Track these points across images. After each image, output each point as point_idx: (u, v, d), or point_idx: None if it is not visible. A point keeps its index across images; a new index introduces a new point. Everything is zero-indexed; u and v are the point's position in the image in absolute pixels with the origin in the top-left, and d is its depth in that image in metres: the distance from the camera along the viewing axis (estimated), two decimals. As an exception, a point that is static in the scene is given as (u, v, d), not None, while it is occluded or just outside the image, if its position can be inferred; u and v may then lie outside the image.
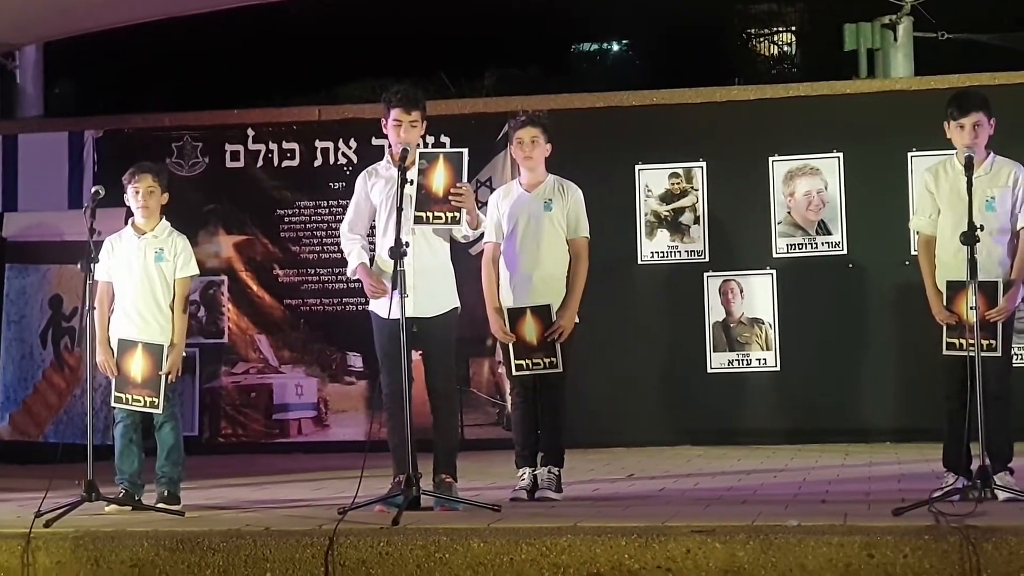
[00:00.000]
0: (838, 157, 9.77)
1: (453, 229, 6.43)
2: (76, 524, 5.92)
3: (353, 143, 10.31)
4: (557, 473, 6.72)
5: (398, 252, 6.06)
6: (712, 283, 9.86)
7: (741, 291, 9.82)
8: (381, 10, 14.24)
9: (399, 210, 6.13)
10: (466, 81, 13.99)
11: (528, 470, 6.73)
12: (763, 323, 9.77)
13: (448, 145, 9.69)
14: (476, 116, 10.29)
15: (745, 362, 9.77)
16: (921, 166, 7.75)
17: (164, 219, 6.99)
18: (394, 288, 6.12)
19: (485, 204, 7.13)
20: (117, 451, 6.84)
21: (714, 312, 9.83)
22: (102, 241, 6.83)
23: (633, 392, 9.78)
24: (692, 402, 9.79)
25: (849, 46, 10.84)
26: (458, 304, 6.60)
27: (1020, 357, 8.63)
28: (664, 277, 9.92)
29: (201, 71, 14.50)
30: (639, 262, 9.94)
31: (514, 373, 6.76)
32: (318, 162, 10.41)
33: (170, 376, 6.77)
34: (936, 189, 6.41)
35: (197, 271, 7.13)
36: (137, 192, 6.87)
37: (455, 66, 13.92)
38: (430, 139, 9.52)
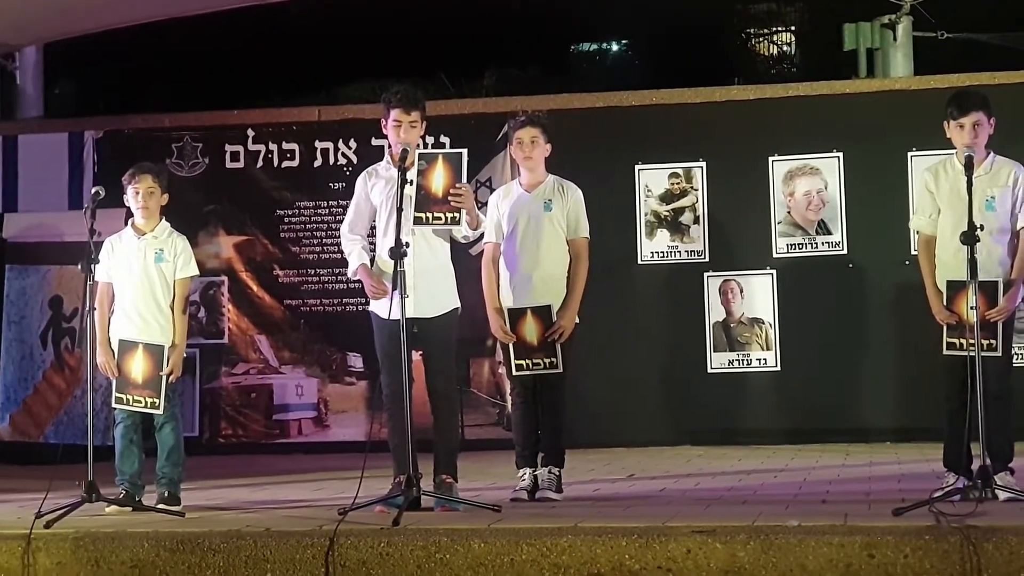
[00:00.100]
0: (838, 157, 9.77)
1: (453, 229, 6.43)
2: (76, 525, 5.92)
3: (353, 143, 10.31)
4: (557, 473, 6.72)
5: (398, 253, 6.06)
6: (712, 283, 9.86)
7: (741, 291, 9.82)
8: (381, 10, 14.24)
9: (399, 211, 6.13)
10: (466, 81, 13.99)
11: (528, 470, 6.73)
12: (763, 323, 9.77)
13: (448, 145, 9.69)
14: (476, 116, 10.30)
15: (745, 362, 9.78)
16: (921, 166, 7.75)
17: (164, 220, 6.99)
18: (394, 289, 6.12)
19: (485, 204, 7.13)
20: (117, 452, 6.84)
21: (714, 312, 9.83)
22: (102, 242, 6.83)
23: (633, 392, 9.78)
24: (692, 402, 9.79)
25: (849, 46, 10.84)
26: (458, 304, 6.60)
27: (1020, 357, 8.64)
28: (664, 277, 9.92)
29: (201, 71, 14.50)
30: (639, 262, 9.94)
31: (514, 373, 6.76)
32: (318, 162, 10.41)
33: (171, 377, 6.77)
34: (936, 189, 6.41)
35: (197, 272, 7.13)
36: (137, 193, 6.87)
37: (455, 66, 13.91)
38: (430, 139, 9.53)
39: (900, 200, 9.25)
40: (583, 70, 18.06)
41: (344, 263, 6.76)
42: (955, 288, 6.17)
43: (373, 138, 9.91)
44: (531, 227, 6.78)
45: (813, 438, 9.40)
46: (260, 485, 7.94)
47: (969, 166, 6.07)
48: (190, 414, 10.03)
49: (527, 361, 6.70)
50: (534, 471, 6.71)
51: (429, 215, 6.31)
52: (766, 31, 18.37)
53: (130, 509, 6.57)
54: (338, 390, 10.31)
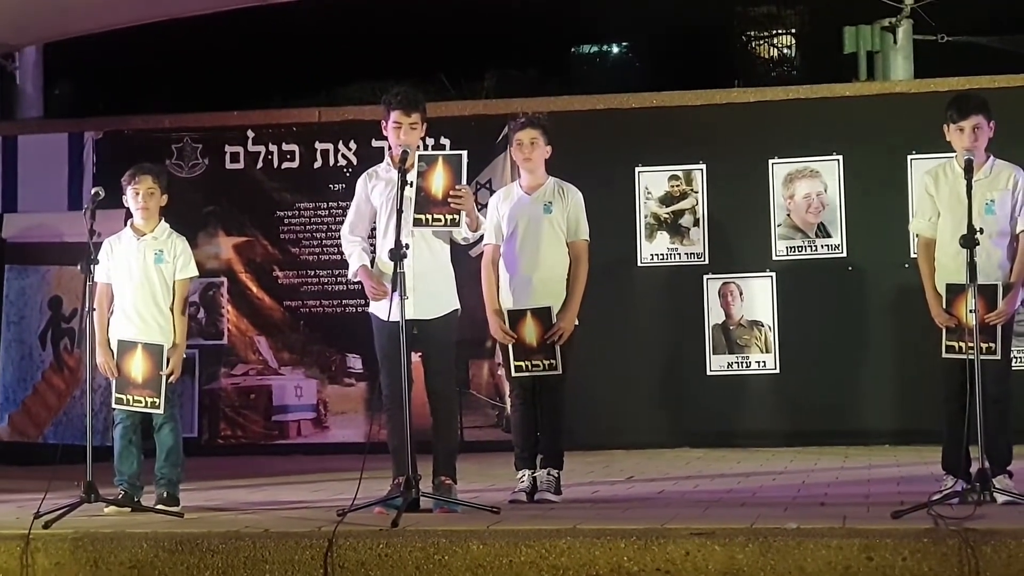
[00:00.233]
0: (838, 160, 9.77)
1: (453, 231, 6.43)
2: (75, 525, 5.91)
3: (353, 145, 10.30)
4: (556, 475, 6.72)
5: (398, 254, 6.06)
6: (712, 285, 9.86)
7: (741, 293, 9.82)
8: (381, 12, 14.25)
9: (399, 212, 6.13)
10: (466, 83, 14.01)
11: (527, 472, 6.73)
12: (763, 325, 9.77)
13: (448, 147, 9.68)
14: (476, 118, 10.30)
15: (744, 364, 9.77)
16: (921, 169, 7.74)
17: (163, 221, 6.99)
18: (394, 290, 6.12)
19: (485, 206, 7.14)
20: (116, 452, 6.83)
21: (714, 314, 9.83)
22: (102, 242, 6.83)
23: (633, 394, 9.78)
24: (691, 404, 9.79)
25: (849, 49, 10.84)
26: (458, 306, 6.60)
27: (1019, 360, 8.65)
28: (664, 279, 9.92)
29: (201, 72, 14.51)
30: (639, 264, 9.94)
31: (513, 375, 6.76)
32: (318, 164, 10.41)
33: (171, 377, 6.77)
34: (936, 192, 6.42)
35: (197, 272, 7.12)
36: (137, 193, 6.86)
37: (455, 68, 13.93)
38: (430, 141, 9.52)
39: (900, 203, 9.25)
40: (583, 72, 18.10)
41: (344, 264, 6.76)
42: (954, 291, 6.16)
43: (373, 139, 9.91)
44: (531, 229, 6.78)
45: (812, 440, 9.39)
46: (259, 486, 7.94)
47: (969, 169, 6.07)
48: (189, 415, 10.03)
49: (526, 363, 6.70)
50: (533, 473, 6.71)
51: (429, 216, 6.31)
52: (766, 34, 18.40)
53: (129, 510, 6.57)
54: (337, 391, 10.31)
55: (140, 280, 6.83)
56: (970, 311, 5.95)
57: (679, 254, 9.93)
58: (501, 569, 5.37)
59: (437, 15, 14.32)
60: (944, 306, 6.24)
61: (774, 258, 9.79)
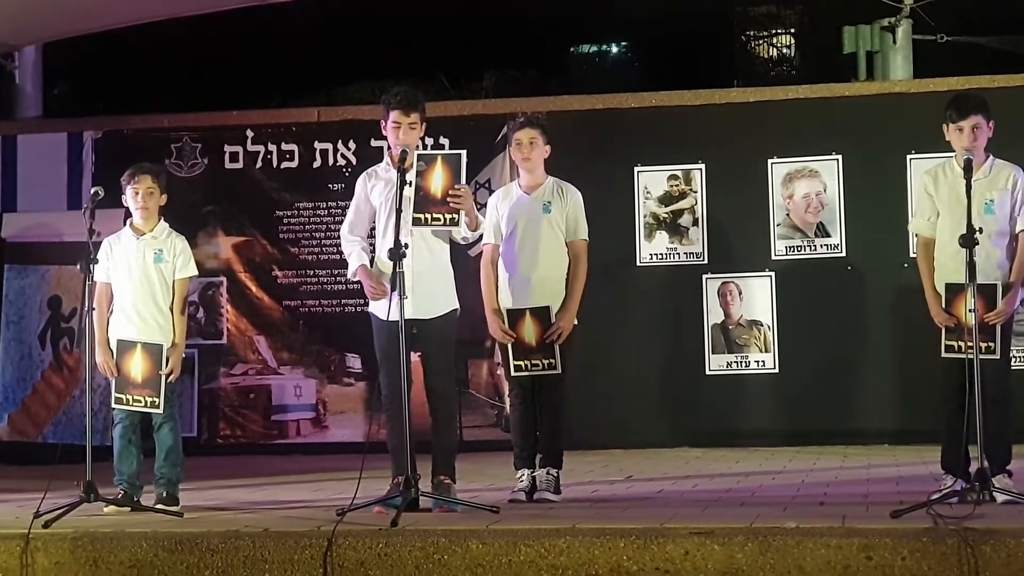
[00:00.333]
0: (837, 159, 9.77)
1: (452, 231, 6.43)
2: (75, 525, 5.91)
3: (352, 144, 10.30)
4: (556, 475, 6.72)
5: (397, 254, 6.06)
6: (711, 285, 9.86)
7: (740, 293, 9.82)
8: (381, 12, 14.26)
9: (398, 212, 6.13)
10: (465, 83, 14.02)
11: (527, 471, 6.73)
12: (762, 325, 9.77)
13: (447, 147, 9.67)
14: (475, 118, 10.30)
15: (744, 364, 9.77)
16: (920, 168, 7.74)
17: (163, 220, 6.99)
18: (393, 290, 6.12)
19: (484, 206, 7.14)
20: (116, 452, 6.83)
21: (713, 314, 9.83)
22: (101, 242, 6.83)
23: (632, 394, 9.78)
24: (691, 404, 9.79)
25: (848, 48, 10.85)
26: (457, 306, 6.60)
27: (1019, 360, 8.65)
28: (663, 279, 9.92)
29: (200, 72, 14.52)
30: (638, 264, 9.94)
31: (513, 374, 6.76)
32: (317, 163, 10.40)
33: (171, 377, 6.77)
34: (935, 192, 6.42)
35: (196, 272, 7.13)
36: (136, 193, 6.86)
37: (454, 68, 13.94)
38: (429, 141, 9.52)
39: (899, 203, 9.26)
40: (582, 72, 18.11)
41: (343, 264, 6.76)
42: (954, 291, 6.17)
43: (372, 139, 9.91)
44: (530, 229, 6.78)
45: (811, 440, 9.39)
46: (258, 486, 7.94)
47: (968, 169, 6.07)
48: (188, 414, 10.02)
49: (526, 362, 6.70)
50: (532, 472, 6.71)
51: (428, 216, 6.31)
52: (766, 33, 18.41)
53: (128, 509, 6.56)
54: (337, 391, 10.31)
55: (139, 279, 6.83)
56: (969, 311, 5.96)
57: (678, 254, 9.93)
58: (500, 568, 5.37)
59: (436, 15, 14.32)
60: (943, 306, 6.24)
61: (773, 258, 9.79)
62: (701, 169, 9.94)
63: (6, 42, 10.92)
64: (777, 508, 6.10)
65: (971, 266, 5.89)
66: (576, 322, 6.76)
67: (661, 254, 9.94)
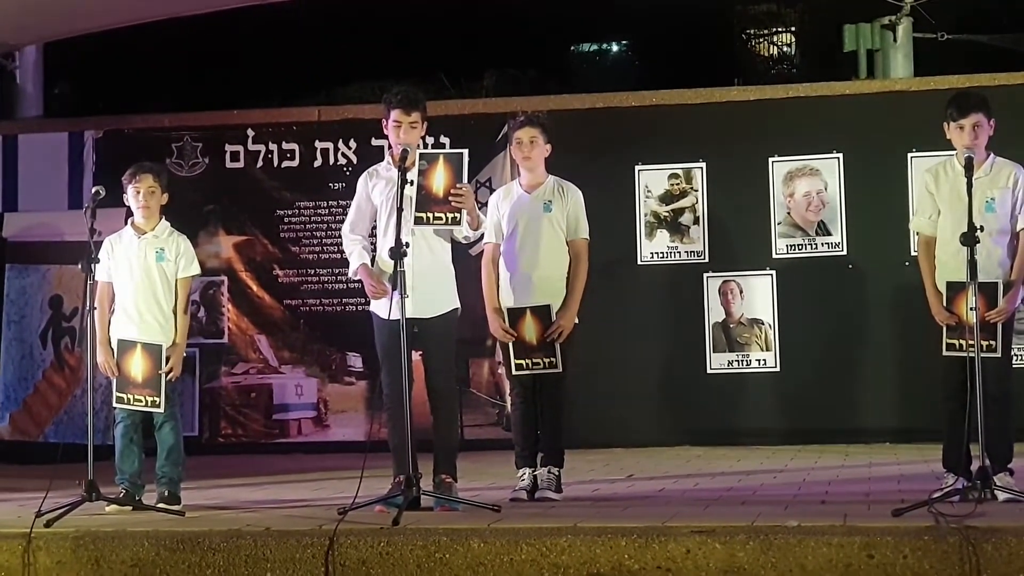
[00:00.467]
0: (838, 158, 9.77)
1: (454, 230, 6.44)
2: (77, 524, 5.92)
3: (353, 144, 10.31)
4: (557, 473, 6.72)
5: (398, 253, 6.06)
6: (712, 284, 9.86)
7: (741, 292, 9.83)
8: (381, 11, 14.25)
9: (399, 211, 6.14)
10: (465, 82, 14.01)
11: (528, 470, 6.73)
12: (763, 324, 9.77)
13: (448, 146, 9.69)
14: (476, 117, 10.30)
15: (745, 363, 9.78)
16: (921, 167, 7.75)
17: (164, 219, 6.99)
18: (394, 289, 6.13)
19: (485, 205, 7.14)
20: (117, 451, 6.84)
21: (714, 313, 9.84)
22: (102, 241, 6.83)
23: (633, 392, 9.78)
24: (692, 403, 9.79)
25: (849, 47, 10.85)
26: (458, 305, 6.60)
27: (1020, 358, 8.65)
28: (664, 278, 9.92)
29: (201, 71, 14.52)
30: (639, 263, 9.94)
31: (514, 373, 6.76)
32: (318, 162, 10.41)
33: (171, 375, 6.77)
34: (936, 190, 6.42)
35: (200, 271, 7.15)
36: (138, 192, 6.87)
37: (455, 67, 13.94)
38: (430, 140, 9.52)
39: (900, 201, 9.26)
40: (583, 71, 18.10)
41: (344, 263, 6.77)
42: (955, 289, 6.17)
43: (373, 138, 9.92)
44: (531, 228, 6.78)
45: (812, 439, 9.40)
46: (260, 485, 7.94)
47: (969, 167, 6.07)
48: (190, 414, 10.03)
49: (527, 361, 6.71)
50: (533, 471, 6.71)
51: (430, 215, 6.31)
52: (766, 32, 18.40)
53: (130, 508, 6.57)
54: (338, 390, 10.31)
55: (141, 278, 6.84)
56: (970, 309, 5.96)
57: (679, 252, 9.93)
58: (502, 567, 5.37)
59: (437, 14, 14.32)
60: (944, 304, 6.24)
61: (774, 256, 9.80)
62: (702, 168, 9.94)
63: (7, 42, 10.92)
64: (778, 507, 6.10)
65: (972, 264, 5.89)
66: (577, 321, 6.76)
67: (662, 253, 9.94)
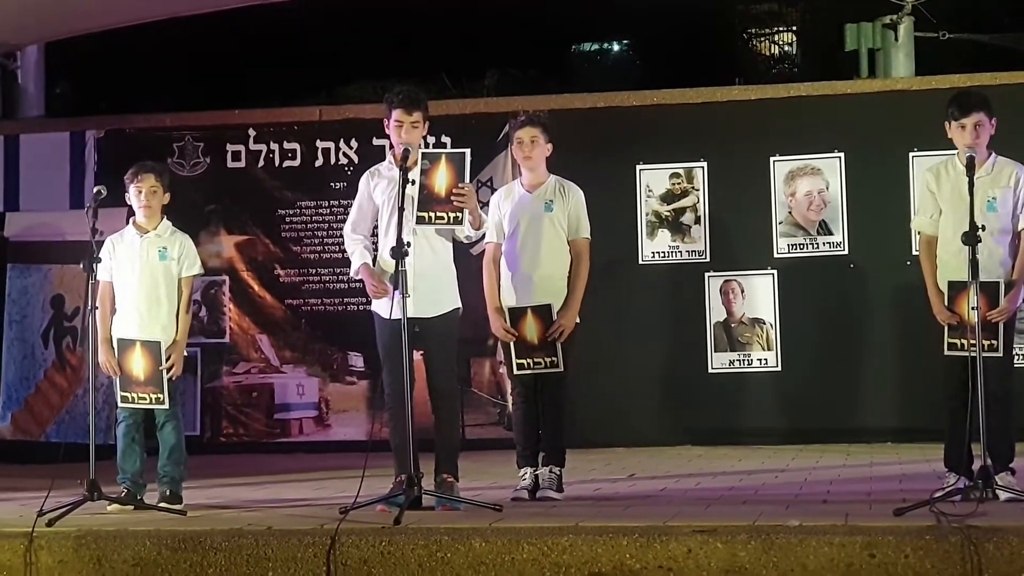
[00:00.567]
0: (839, 157, 9.77)
1: (455, 229, 6.44)
2: (78, 523, 5.92)
3: (354, 143, 10.31)
4: (558, 473, 6.72)
5: (400, 252, 6.07)
6: (713, 283, 9.86)
7: (742, 291, 9.83)
8: (382, 11, 14.25)
9: (401, 210, 6.14)
10: (467, 81, 14.01)
11: (529, 470, 6.74)
12: (764, 323, 9.77)
13: (449, 145, 9.69)
14: (477, 116, 10.30)
15: (746, 362, 9.78)
16: (922, 166, 7.75)
17: (165, 219, 7.00)
18: (395, 288, 6.13)
19: (486, 204, 7.14)
20: (119, 450, 6.85)
21: (715, 312, 9.84)
22: (103, 241, 6.84)
23: (634, 392, 9.78)
24: (693, 402, 9.79)
25: (850, 46, 10.85)
26: (459, 304, 6.61)
27: (1021, 357, 8.64)
28: (665, 277, 9.92)
29: (202, 71, 14.52)
30: (640, 262, 9.95)
31: (515, 372, 6.77)
32: (319, 162, 10.41)
33: (172, 373, 6.77)
34: (937, 189, 6.42)
35: (202, 271, 7.16)
36: (140, 192, 6.87)
37: (456, 66, 13.93)
38: (431, 139, 9.52)
39: (901, 200, 9.26)
40: (584, 70, 18.07)
41: (345, 262, 6.77)
42: (956, 288, 6.17)
43: (374, 138, 9.92)
44: (532, 227, 6.79)
45: (814, 438, 9.40)
46: (261, 484, 7.95)
47: (971, 167, 6.08)
48: (191, 413, 10.03)
49: (528, 360, 6.71)
50: (535, 470, 6.72)
51: (432, 215, 6.31)
52: (767, 31, 18.38)
53: (132, 508, 6.57)
54: (339, 389, 10.32)
55: (143, 277, 6.85)
56: (972, 308, 5.96)
57: (680, 252, 9.93)
58: (503, 567, 5.38)
59: (438, 14, 14.32)
60: (946, 303, 6.25)
61: (775, 256, 9.80)
62: (703, 167, 9.94)
63: (8, 42, 10.93)
64: (780, 506, 6.10)
65: (974, 264, 5.90)
66: (578, 320, 6.77)
67: (663, 252, 9.95)
